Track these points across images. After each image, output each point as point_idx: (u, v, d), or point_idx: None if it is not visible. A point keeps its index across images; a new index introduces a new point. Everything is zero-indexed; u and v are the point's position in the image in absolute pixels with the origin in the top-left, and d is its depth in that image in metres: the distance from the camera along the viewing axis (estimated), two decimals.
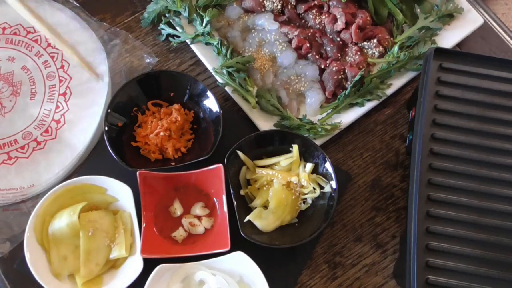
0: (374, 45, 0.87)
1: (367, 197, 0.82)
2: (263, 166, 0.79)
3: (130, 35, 0.91)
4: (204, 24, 0.86)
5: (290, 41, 0.88)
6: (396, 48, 0.86)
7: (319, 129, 0.81)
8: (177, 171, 0.76)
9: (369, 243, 0.79)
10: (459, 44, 0.91)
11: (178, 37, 0.88)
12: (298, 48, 0.88)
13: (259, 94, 0.83)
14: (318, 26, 0.90)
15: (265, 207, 0.76)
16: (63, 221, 0.72)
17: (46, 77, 0.86)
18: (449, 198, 0.67)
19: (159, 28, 0.90)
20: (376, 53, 0.87)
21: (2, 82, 0.85)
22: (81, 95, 0.85)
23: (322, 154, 0.76)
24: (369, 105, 0.84)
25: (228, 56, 0.84)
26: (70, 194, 0.75)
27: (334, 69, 0.85)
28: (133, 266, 0.72)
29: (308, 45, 0.87)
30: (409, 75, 0.86)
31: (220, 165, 0.74)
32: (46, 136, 0.83)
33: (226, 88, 0.85)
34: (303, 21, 0.91)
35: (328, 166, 0.75)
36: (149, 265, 0.70)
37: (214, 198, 0.79)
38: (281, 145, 0.79)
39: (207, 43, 0.87)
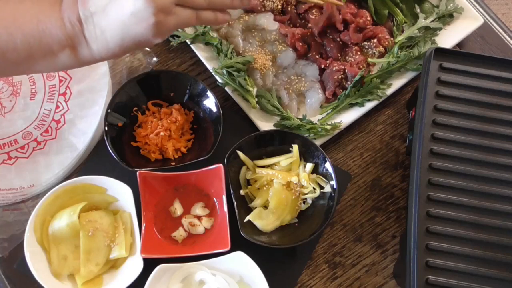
0: (374, 45, 0.87)
1: (367, 197, 0.82)
2: (263, 166, 0.79)
3: None
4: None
5: None
6: (396, 48, 0.86)
7: (319, 129, 0.81)
8: (177, 171, 0.76)
9: (369, 243, 0.79)
10: (459, 44, 0.91)
11: (178, 37, 0.88)
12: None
13: (259, 94, 0.83)
14: None
15: (265, 207, 0.76)
16: (63, 221, 0.72)
17: (46, 77, 0.86)
18: (449, 198, 0.67)
19: None
20: (376, 53, 0.87)
21: (2, 82, 0.85)
22: (81, 95, 0.85)
23: (322, 154, 0.76)
24: (369, 105, 0.84)
25: (228, 56, 0.84)
26: (70, 194, 0.75)
27: (334, 69, 0.85)
28: (133, 266, 0.71)
29: (301, 43, 0.86)
30: (409, 75, 0.86)
31: (220, 165, 0.74)
32: (46, 136, 0.83)
33: (226, 88, 0.85)
34: (303, 21, 0.91)
35: (328, 166, 0.75)
36: (149, 265, 0.70)
37: (214, 198, 0.78)
38: (281, 145, 0.79)
39: (207, 43, 0.87)
